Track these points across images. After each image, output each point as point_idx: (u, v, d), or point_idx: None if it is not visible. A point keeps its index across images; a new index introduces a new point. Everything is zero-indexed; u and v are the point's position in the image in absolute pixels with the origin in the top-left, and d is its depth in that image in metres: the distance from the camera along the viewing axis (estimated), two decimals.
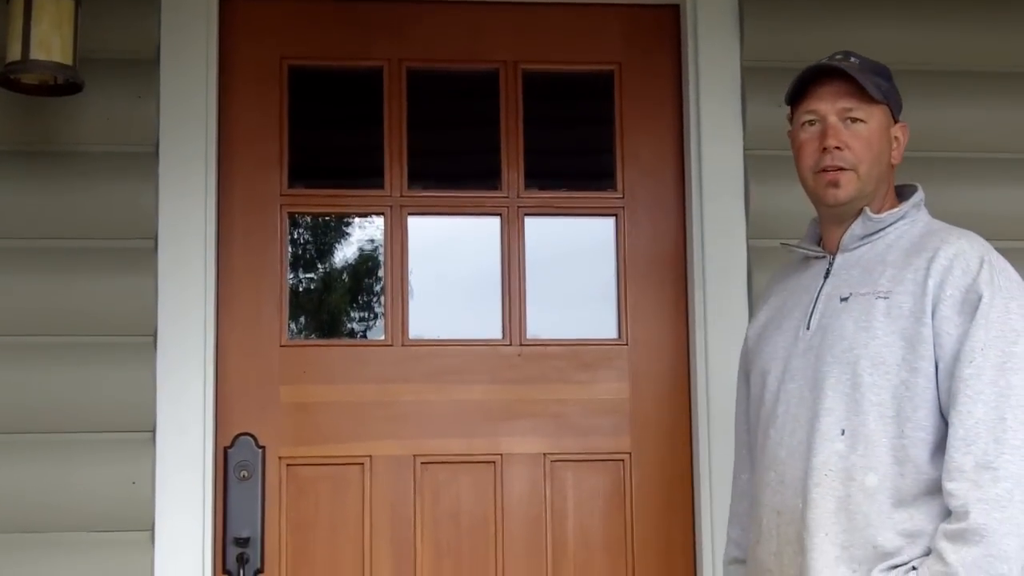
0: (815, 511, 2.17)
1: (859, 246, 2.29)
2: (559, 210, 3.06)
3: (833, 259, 2.32)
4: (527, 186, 3.03)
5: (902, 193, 2.36)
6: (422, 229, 3.02)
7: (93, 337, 2.80)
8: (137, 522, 2.76)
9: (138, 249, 2.83)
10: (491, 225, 3.03)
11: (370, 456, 2.91)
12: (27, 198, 2.82)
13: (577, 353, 2.99)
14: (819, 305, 2.28)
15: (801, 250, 2.40)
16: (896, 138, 2.32)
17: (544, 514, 2.94)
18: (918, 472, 2.13)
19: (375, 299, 3.08)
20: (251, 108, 2.98)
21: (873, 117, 2.28)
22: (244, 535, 2.83)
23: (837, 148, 2.26)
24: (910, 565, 2.10)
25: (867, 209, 2.27)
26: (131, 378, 2.79)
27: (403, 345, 2.96)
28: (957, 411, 2.09)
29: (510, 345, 2.98)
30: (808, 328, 2.27)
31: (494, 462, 2.94)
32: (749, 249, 2.94)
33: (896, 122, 2.32)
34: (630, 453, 2.96)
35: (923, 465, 2.13)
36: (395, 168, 3.00)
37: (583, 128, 3.19)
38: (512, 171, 3.03)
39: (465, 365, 2.96)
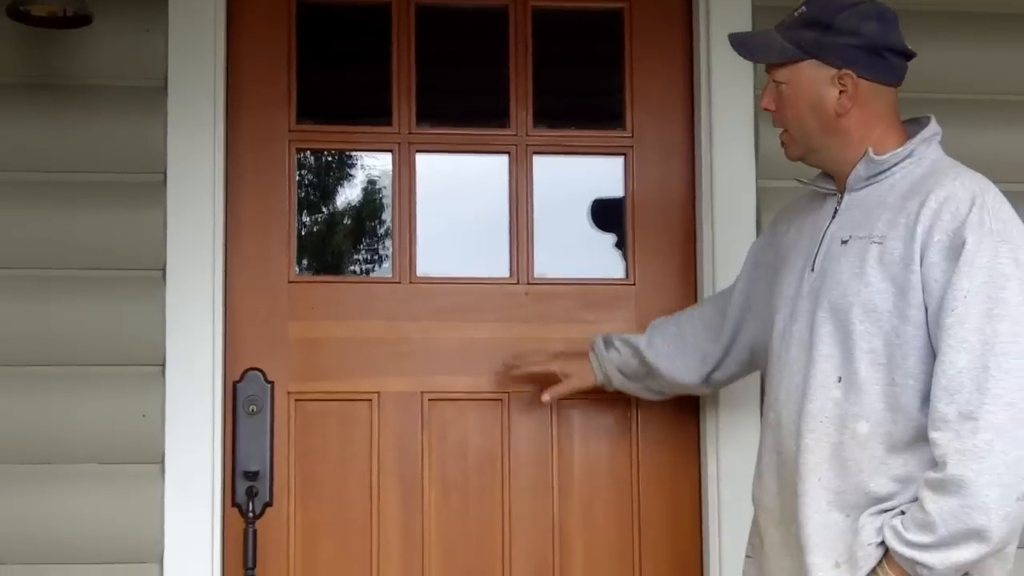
0: (809, 456, 2.19)
1: (864, 186, 2.28)
2: (567, 148, 3.06)
3: (841, 199, 2.31)
4: (536, 124, 3.02)
5: (919, 123, 2.31)
6: (430, 168, 3.02)
7: (102, 271, 2.81)
8: (147, 455, 2.78)
9: (147, 184, 2.83)
10: (499, 164, 3.02)
11: (378, 392, 2.93)
12: (36, 132, 2.82)
13: (585, 293, 3.00)
14: (823, 246, 2.28)
15: (814, 187, 2.39)
16: (842, 87, 2.25)
17: (550, 451, 2.96)
18: (909, 419, 2.14)
19: (383, 236, 3.09)
20: (260, 44, 2.97)
21: (794, 76, 2.27)
22: (253, 469, 2.85)
23: (767, 110, 2.32)
24: (899, 509, 2.13)
25: (870, 150, 2.25)
26: (140, 312, 2.80)
27: (411, 282, 2.97)
28: (940, 360, 2.09)
29: (517, 284, 2.99)
30: (813, 269, 2.28)
31: (501, 400, 2.96)
32: (758, 190, 2.95)
33: (841, 69, 2.24)
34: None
35: (914, 412, 2.14)
36: (403, 105, 2.99)
37: (592, 67, 3.19)
38: (521, 109, 3.02)
39: (472, 303, 2.97)
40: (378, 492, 2.91)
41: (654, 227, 3.03)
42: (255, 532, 2.79)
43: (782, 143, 2.35)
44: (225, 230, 2.89)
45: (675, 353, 2.69)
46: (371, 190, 3.11)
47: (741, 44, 2.37)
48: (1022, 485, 2.02)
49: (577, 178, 3.09)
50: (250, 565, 2.77)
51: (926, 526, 2.05)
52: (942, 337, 2.09)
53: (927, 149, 2.27)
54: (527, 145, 3.01)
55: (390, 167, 3.00)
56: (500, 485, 2.95)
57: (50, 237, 2.80)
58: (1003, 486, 2.01)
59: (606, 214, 3.09)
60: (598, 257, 3.10)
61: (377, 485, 2.92)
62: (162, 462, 2.78)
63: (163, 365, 2.80)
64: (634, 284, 3.00)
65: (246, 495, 2.83)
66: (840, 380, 2.18)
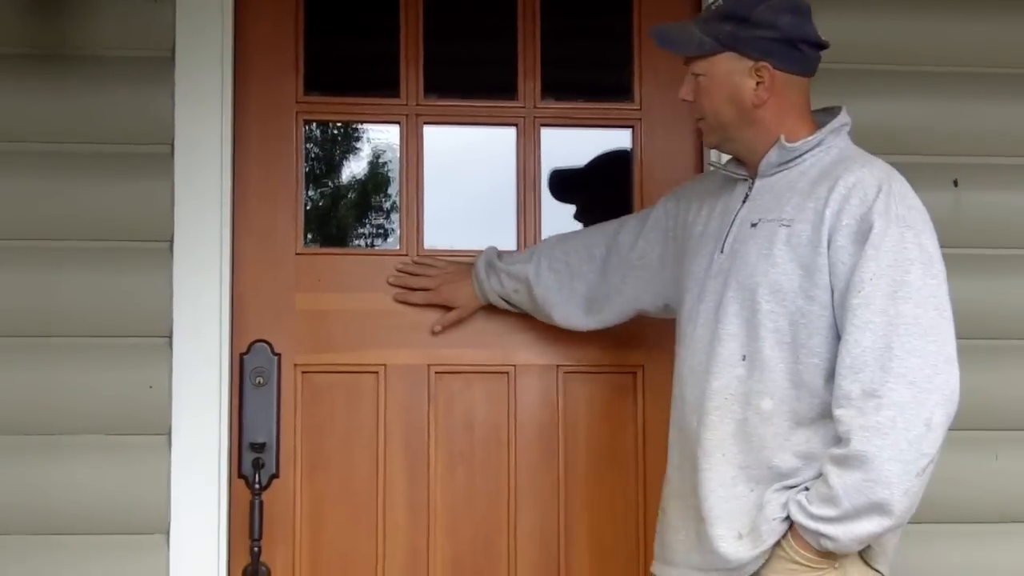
0: (714, 432, 2.25)
1: (775, 173, 2.33)
2: (575, 121, 3.06)
3: (752, 184, 2.36)
4: (543, 97, 3.01)
5: (831, 113, 2.37)
6: (438, 141, 3.01)
7: (109, 242, 2.81)
8: (154, 426, 2.78)
9: (154, 155, 2.83)
10: (507, 136, 3.01)
11: (384, 365, 2.93)
12: (42, 102, 2.81)
13: None
14: (734, 229, 2.33)
15: (725, 172, 2.44)
16: (759, 79, 2.30)
17: (557, 425, 2.97)
18: (813, 396, 2.20)
19: (390, 210, 3.08)
20: (267, 14, 2.96)
21: (712, 68, 2.32)
22: (260, 440, 2.85)
23: (684, 100, 2.37)
24: (803, 486, 2.18)
25: (782, 137, 2.31)
26: (147, 283, 2.80)
27: (418, 255, 2.96)
28: (845, 339, 2.14)
29: None
30: (722, 252, 2.33)
31: (507, 373, 2.96)
32: None
33: (758, 61, 2.30)
34: (642, 365, 2.98)
35: (818, 390, 2.20)
36: (411, 76, 2.99)
37: (601, 39, 3.17)
38: (529, 81, 3.01)
39: None
40: (384, 464, 2.92)
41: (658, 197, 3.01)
42: (261, 504, 2.79)
43: (699, 131, 2.42)
44: (232, 202, 2.88)
45: (562, 292, 2.74)
46: (378, 163, 3.10)
47: (660, 36, 2.43)
48: (922, 460, 2.08)
49: (585, 148, 3.09)
50: (256, 536, 2.77)
51: (830, 500, 2.11)
52: (848, 317, 2.15)
53: (836, 139, 2.34)
54: (535, 117, 3.01)
55: (397, 140, 2.99)
56: (506, 457, 2.95)
57: (57, 208, 2.80)
58: (904, 462, 2.07)
59: (564, 184, 3.09)
60: None
61: (383, 457, 2.92)
62: (169, 434, 2.78)
63: (170, 337, 2.80)
64: None
65: (252, 467, 2.83)
66: (744, 359, 2.24)
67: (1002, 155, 3.03)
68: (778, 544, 2.17)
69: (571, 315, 2.76)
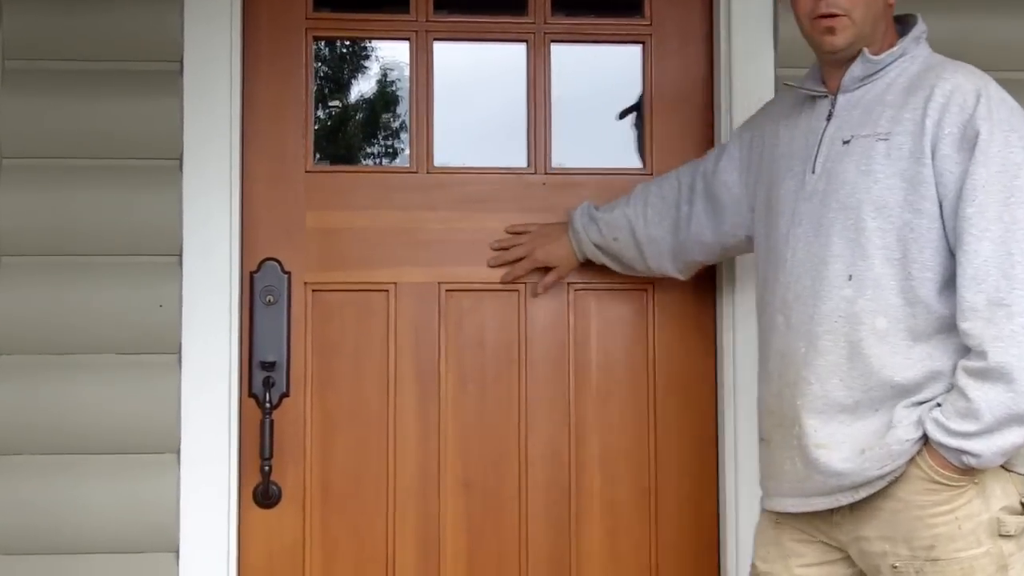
0: (827, 357, 2.20)
1: (859, 87, 2.28)
2: (585, 36, 3.03)
3: (835, 100, 2.31)
4: (553, 12, 2.98)
5: (905, 22, 2.33)
6: (448, 58, 2.98)
7: (119, 160, 2.79)
8: (164, 345, 2.78)
9: (163, 72, 2.81)
10: (517, 53, 2.99)
11: (395, 283, 2.92)
12: (52, 20, 2.79)
13: (602, 182, 2.97)
14: (823, 148, 2.28)
15: (804, 90, 2.38)
16: None
17: (567, 342, 2.96)
18: (929, 311, 2.16)
19: (399, 128, 3.07)
20: None
21: None
22: (270, 359, 2.85)
23: None
24: (934, 401, 2.14)
25: (865, 50, 2.26)
26: (157, 202, 2.79)
27: (428, 172, 2.95)
28: (964, 250, 2.10)
29: (535, 174, 2.97)
30: (813, 172, 2.28)
31: (518, 290, 2.95)
32: (777, 78, 2.91)
33: None
34: (653, 283, 2.96)
35: (933, 304, 2.16)
36: None
37: None
38: None
39: (490, 193, 2.95)
40: (395, 382, 2.91)
41: (672, 116, 3.00)
42: (272, 422, 2.79)
43: (829, 30, 2.27)
44: (242, 119, 2.87)
45: (662, 226, 2.70)
46: (388, 81, 3.08)
47: None
48: None
49: (596, 65, 3.06)
50: (267, 455, 2.78)
51: (970, 414, 2.07)
52: (963, 228, 2.11)
53: (917, 47, 2.30)
54: (545, 33, 2.98)
55: (407, 57, 2.96)
56: (517, 375, 2.94)
57: (66, 127, 2.79)
58: None
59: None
60: (615, 147, 3.07)
61: (394, 375, 2.91)
62: (179, 352, 2.78)
63: (180, 255, 2.79)
64: (651, 173, 2.97)
65: (263, 385, 2.83)
66: (851, 279, 2.19)
67: None
68: (912, 462, 2.13)
69: (671, 259, 2.72)
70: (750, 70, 2.92)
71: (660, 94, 3.01)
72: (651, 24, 3.00)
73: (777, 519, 2.35)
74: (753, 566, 2.40)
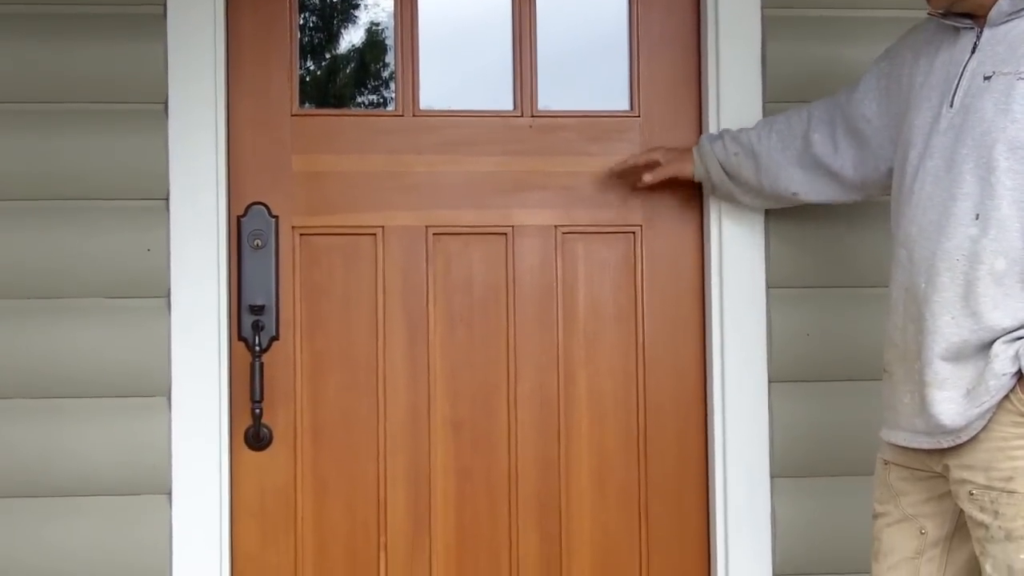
0: (943, 294, 2.17)
1: (1006, 21, 2.21)
2: None
3: (980, 33, 2.24)
4: None
5: None
6: (433, 2, 2.97)
7: (104, 104, 2.78)
8: (153, 289, 2.79)
9: (147, 15, 2.80)
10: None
11: (382, 227, 2.93)
12: None
13: (589, 125, 2.97)
14: (963, 82, 2.22)
15: (949, 21, 2.30)
16: None
17: (555, 285, 2.97)
18: None
19: (387, 73, 3.05)
20: None
21: None
22: (259, 303, 2.86)
23: None
24: None
25: None
26: (143, 145, 2.78)
27: (414, 116, 2.94)
28: None
29: (521, 116, 2.96)
30: (951, 106, 2.22)
31: (506, 234, 2.96)
32: (764, 18, 2.90)
33: None
34: (641, 226, 2.97)
35: None
36: None
37: None
38: None
39: (476, 136, 2.95)
40: (384, 326, 2.92)
41: (658, 57, 2.99)
42: (262, 365, 2.80)
43: None
44: (227, 63, 2.86)
45: (786, 152, 2.67)
46: (374, 23, 3.06)
47: None
48: None
49: (581, 9, 3.04)
50: (257, 398, 2.79)
51: None
52: None
53: None
54: None
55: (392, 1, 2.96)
56: (505, 317, 2.96)
57: (51, 70, 2.77)
58: None
59: None
60: (602, 89, 3.06)
61: (383, 319, 2.92)
62: (168, 296, 2.79)
63: (167, 199, 2.79)
64: (638, 116, 2.98)
65: (252, 329, 2.84)
66: (978, 217, 2.14)
67: None
68: (1006, 398, 2.11)
69: (793, 177, 2.67)
70: (737, 10, 2.90)
71: (647, 35, 2.99)
72: None
73: (886, 461, 2.36)
74: (872, 507, 2.40)
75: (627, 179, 2.92)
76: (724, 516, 2.90)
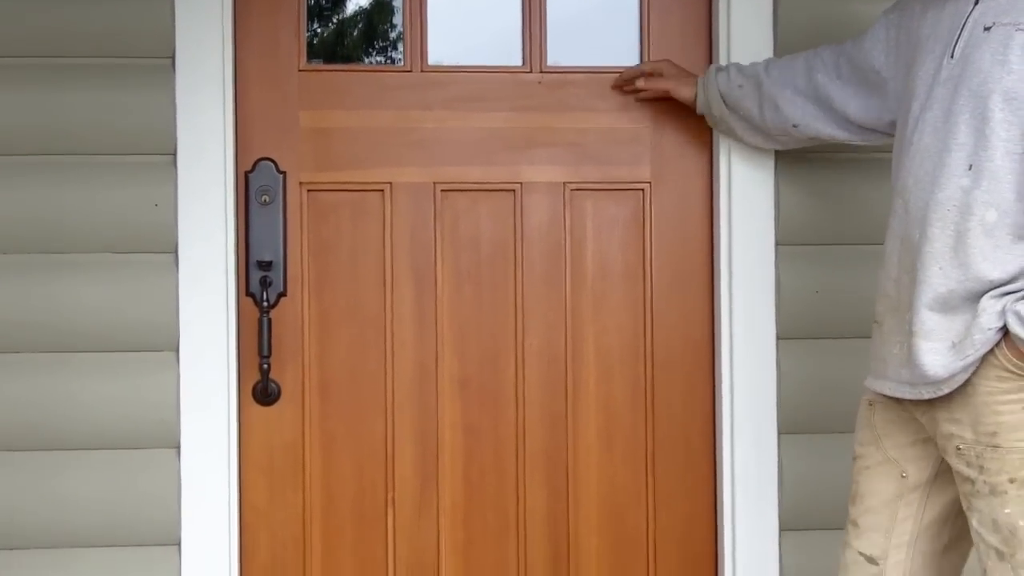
0: (933, 244, 2.16)
1: None
2: None
3: None
4: None
5: None
6: None
7: (110, 59, 2.77)
8: (161, 244, 2.78)
9: None
10: None
11: (390, 183, 2.92)
12: None
13: (599, 80, 2.95)
14: (964, 32, 2.20)
15: None
16: None
17: (563, 242, 2.96)
18: None
19: (393, 30, 3.04)
20: None
21: None
22: (267, 259, 2.86)
23: None
24: (1021, 293, 2.11)
25: None
26: (150, 101, 2.77)
27: (422, 71, 2.93)
28: None
29: (531, 72, 2.95)
30: (952, 56, 2.21)
31: (514, 190, 2.95)
32: None
33: None
34: (650, 183, 2.96)
35: None
36: None
37: None
38: None
39: (485, 92, 2.94)
40: (391, 282, 2.92)
41: (669, 11, 2.97)
42: (270, 321, 2.81)
43: None
44: (234, 17, 2.84)
45: (789, 87, 2.67)
46: None
47: None
48: None
49: None
50: (265, 353, 2.80)
51: None
52: None
53: None
54: None
55: None
56: (512, 274, 2.95)
57: (55, 25, 2.75)
58: None
59: None
60: (612, 45, 3.04)
61: (391, 276, 2.92)
62: (176, 252, 2.79)
63: (174, 155, 2.78)
64: None
65: (260, 285, 2.84)
66: (971, 168, 2.13)
67: None
68: (991, 352, 2.11)
69: (797, 109, 2.66)
70: None
71: None
72: None
73: (871, 402, 2.37)
74: (853, 449, 2.42)
75: (630, 88, 2.92)
76: (731, 471, 2.91)
